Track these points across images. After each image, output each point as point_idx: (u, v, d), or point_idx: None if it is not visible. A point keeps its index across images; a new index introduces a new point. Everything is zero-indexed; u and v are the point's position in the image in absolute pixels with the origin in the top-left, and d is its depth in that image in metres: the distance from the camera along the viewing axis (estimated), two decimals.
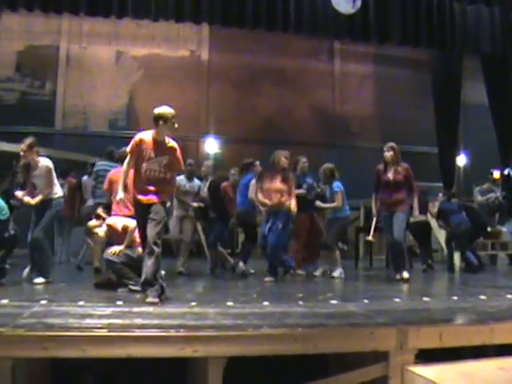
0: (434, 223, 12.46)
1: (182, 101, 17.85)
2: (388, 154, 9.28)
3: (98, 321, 4.85)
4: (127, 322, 4.89)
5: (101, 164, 9.85)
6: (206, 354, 4.49)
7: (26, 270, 8.42)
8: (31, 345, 4.34)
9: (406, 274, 9.01)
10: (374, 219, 9.73)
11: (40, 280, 7.78)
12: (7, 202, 8.16)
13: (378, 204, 9.43)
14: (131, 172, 6.51)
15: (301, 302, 6.42)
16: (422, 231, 11.73)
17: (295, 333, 4.69)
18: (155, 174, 6.31)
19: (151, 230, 6.15)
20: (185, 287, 8.26)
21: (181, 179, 10.05)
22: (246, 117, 17.91)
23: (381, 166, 9.42)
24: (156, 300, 6.00)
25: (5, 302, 5.95)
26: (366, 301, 6.53)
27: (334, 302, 6.47)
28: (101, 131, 17.77)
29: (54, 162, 12.42)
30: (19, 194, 8.28)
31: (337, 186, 10.26)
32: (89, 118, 17.98)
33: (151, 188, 6.30)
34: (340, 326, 5.06)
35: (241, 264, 9.86)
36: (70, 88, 17.97)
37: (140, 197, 6.33)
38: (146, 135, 6.42)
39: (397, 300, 6.70)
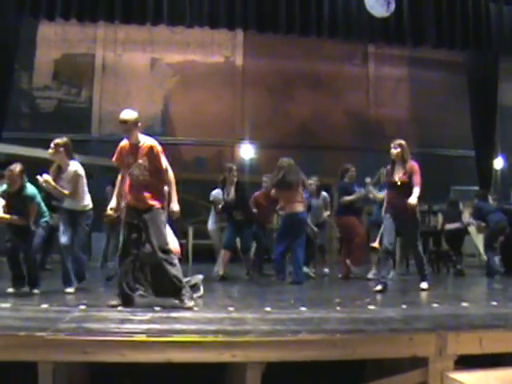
0: (472, 229, 12.35)
1: (217, 107, 17.95)
2: (394, 152, 8.61)
3: (137, 326, 4.89)
4: (166, 327, 4.92)
5: None
6: (244, 359, 4.50)
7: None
8: (72, 349, 4.39)
9: (424, 285, 8.57)
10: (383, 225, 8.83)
11: (70, 289, 7.57)
12: (48, 205, 8.28)
13: (385, 204, 8.75)
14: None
15: (338, 308, 6.41)
16: (456, 238, 11.73)
17: (334, 338, 4.68)
18: (140, 179, 6.26)
19: (156, 240, 6.16)
20: (222, 292, 8.30)
21: (215, 193, 10.55)
22: (281, 122, 17.87)
23: (389, 167, 8.79)
24: (191, 304, 6.04)
25: (45, 306, 6.05)
26: (404, 306, 6.50)
27: (371, 307, 6.44)
28: None
29: (89, 168, 12.47)
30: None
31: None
32: None
33: (143, 194, 6.28)
34: (379, 332, 5.03)
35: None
36: (105, 95, 18.13)
37: (133, 202, 6.33)
38: (124, 141, 6.42)
39: (435, 305, 6.65)
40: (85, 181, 7.77)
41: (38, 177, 7.51)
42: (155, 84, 18.27)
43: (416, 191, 8.27)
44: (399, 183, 8.38)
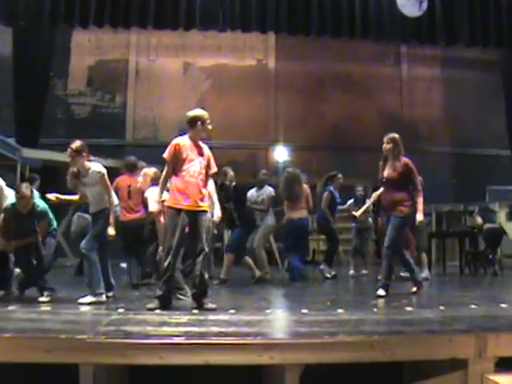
0: (509, 228, 12.24)
1: (250, 110, 18.00)
2: (387, 147, 7.89)
3: (175, 328, 4.93)
4: (204, 329, 4.95)
5: None
6: (282, 361, 4.50)
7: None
8: (111, 352, 4.44)
9: (381, 291, 7.61)
10: (369, 202, 9.10)
11: (85, 300, 6.73)
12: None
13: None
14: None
15: (375, 309, 6.38)
16: (493, 238, 11.63)
17: (372, 340, 4.66)
18: (195, 176, 6.28)
19: (204, 242, 6.23)
20: (258, 295, 8.29)
21: (252, 192, 10.48)
22: (314, 124, 17.86)
23: (381, 162, 8.04)
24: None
25: (84, 310, 6.12)
26: (441, 307, 6.42)
27: (408, 308, 6.40)
28: (171, 141, 17.98)
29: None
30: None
31: None
32: (158, 128, 18.24)
33: (200, 194, 6.30)
34: (417, 333, 5.00)
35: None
36: (139, 100, 18.30)
37: (191, 203, 6.23)
38: (182, 139, 6.44)
39: (473, 306, 6.56)
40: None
41: (48, 196, 7.46)
42: (188, 88, 18.39)
43: (420, 203, 7.78)
44: (385, 180, 7.85)
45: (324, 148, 17.05)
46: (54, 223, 7.60)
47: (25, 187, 7.04)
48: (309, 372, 4.57)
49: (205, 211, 6.37)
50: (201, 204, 6.26)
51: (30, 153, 14.16)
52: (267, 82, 18.53)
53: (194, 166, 6.25)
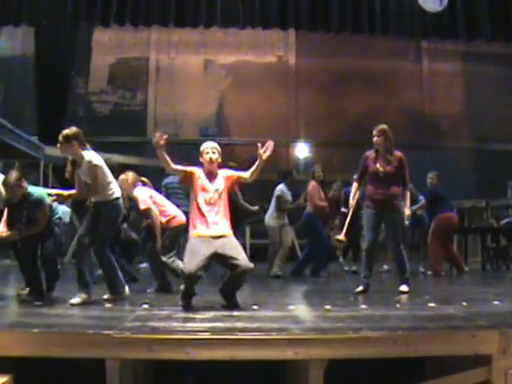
0: None
1: (271, 106, 18.03)
2: (379, 140, 7.55)
3: (200, 324, 4.97)
4: (229, 325, 4.98)
5: (169, 179, 10.15)
6: (307, 356, 4.52)
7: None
8: (138, 347, 4.48)
9: (404, 287, 7.54)
10: (349, 215, 8.04)
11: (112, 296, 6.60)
12: None
13: (366, 200, 7.72)
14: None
15: (398, 305, 6.38)
16: None
17: (396, 335, 4.67)
18: (212, 203, 6.12)
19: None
20: (281, 291, 8.33)
21: (283, 188, 10.48)
22: (335, 120, 17.84)
23: (370, 153, 7.70)
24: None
25: (109, 306, 6.18)
26: (464, 303, 6.41)
27: (431, 304, 6.38)
28: (192, 139, 18.05)
29: (145, 170, 12.50)
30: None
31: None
32: (180, 126, 18.33)
33: (214, 221, 6.07)
34: (440, 329, 5.00)
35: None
36: (160, 98, 18.40)
37: (207, 232, 6.01)
38: (197, 168, 6.32)
39: (496, 303, 6.54)
40: (105, 170, 6.53)
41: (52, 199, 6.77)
42: (209, 85, 18.46)
43: (407, 197, 7.65)
44: (382, 175, 7.49)
45: (345, 144, 17.02)
46: (59, 212, 7.30)
47: (12, 176, 6.54)
48: (332, 367, 4.59)
49: (226, 235, 6.08)
50: (221, 229, 6.06)
51: (52, 151, 14.24)
52: (288, 79, 18.55)
53: (212, 194, 6.16)
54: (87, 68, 18.35)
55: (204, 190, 6.16)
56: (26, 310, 5.98)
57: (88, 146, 6.48)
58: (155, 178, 11.22)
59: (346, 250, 11.74)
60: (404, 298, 7.18)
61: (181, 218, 7.96)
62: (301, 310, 6.07)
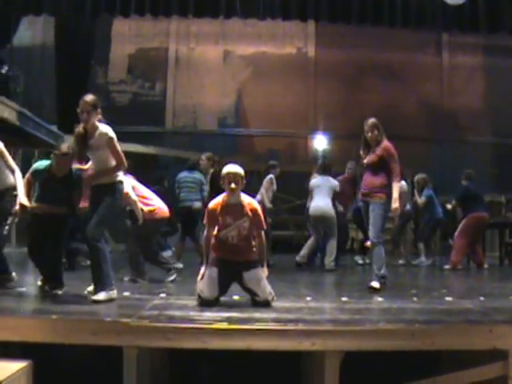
0: None
1: (290, 98, 18.01)
2: (372, 136, 7.25)
3: (217, 314, 4.99)
4: (246, 315, 5.00)
5: (182, 173, 10.32)
6: (323, 347, 4.54)
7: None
8: (155, 335, 4.54)
9: (375, 283, 6.96)
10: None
11: (100, 297, 5.60)
12: None
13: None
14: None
15: (415, 298, 6.37)
16: None
17: (413, 328, 4.68)
18: (234, 242, 5.70)
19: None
20: (298, 282, 8.35)
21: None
22: (354, 112, 17.70)
23: (363, 153, 7.44)
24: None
25: (127, 294, 6.22)
26: (481, 298, 6.40)
27: (448, 298, 6.38)
28: (210, 129, 18.15)
29: (164, 159, 12.50)
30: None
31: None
32: (198, 116, 18.37)
33: (234, 257, 5.70)
34: (458, 323, 5.00)
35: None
36: (179, 88, 18.43)
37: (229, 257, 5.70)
38: (217, 201, 5.80)
39: None
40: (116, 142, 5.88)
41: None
42: (228, 76, 18.47)
43: (396, 190, 7.09)
44: (365, 166, 7.28)
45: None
46: None
47: (66, 146, 6.10)
48: (349, 359, 4.60)
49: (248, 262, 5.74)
50: (243, 257, 5.72)
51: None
52: (307, 70, 18.51)
53: (232, 231, 5.67)
54: (107, 58, 18.44)
55: (226, 224, 5.67)
56: (45, 297, 6.03)
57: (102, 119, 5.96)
58: (173, 168, 11.29)
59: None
60: (421, 291, 7.16)
61: (164, 210, 7.95)
62: (318, 301, 6.06)
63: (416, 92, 18.37)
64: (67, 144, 6.19)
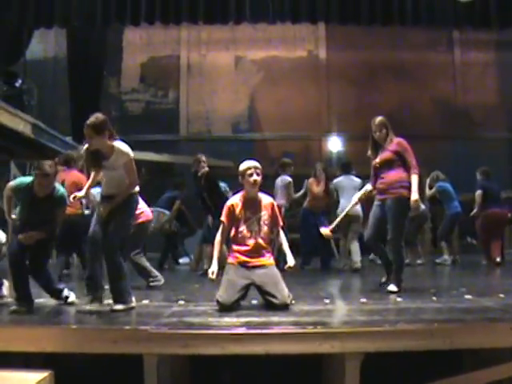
0: None
1: (302, 101, 18.00)
2: (381, 135, 7.17)
3: (236, 319, 5.00)
4: (264, 319, 5.01)
5: None
6: (343, 349, 4.54)
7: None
8: (174, 342, 4.55)
9: (393, 287, 6.88)
10: (343, 213, 8.11)
11: (118, 307, 5.58)
12: None
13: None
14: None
15: (434, 298, 6.35)
16: None
17: (432, 328, 4.67)
18: (254, 237, 5.80)
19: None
20: (315, 285, 8.33)
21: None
22: (368, 113, 17.39)
23: (371, 153, 7.34)
24: None
25: (146, 302, 6.24)
26: (501, 295, 6.36)
27: (468, 296, 6.35)
28: (224, 135, 18.17)
29: (179, 167, 12.50)
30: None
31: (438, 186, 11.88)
32: (212, 122, 18.40)
33: (253, 253, 5.80)
34: (477, 321, 4.97)
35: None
36: (192, 95, 18.47)
37: (247, 259, 5.78)
38: (236, 198, 5.95)
39: None
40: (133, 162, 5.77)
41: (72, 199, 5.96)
42: (240, 81, 18.49)
43: (414, 181, 6.98)
44: (378, 165, 7.11)
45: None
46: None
47: (48, 165, 5.74)
48: (369, 360, 4.59)
49: (266, 265, 5.80)
50: (261, 259, 5.80)
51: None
52: (319, 73, 18.48)
53: (252, 225, 5.80)
54: (119, 68, 18.54)
55: (245, 219, 5.82)
56: (62, 306, 6.06)
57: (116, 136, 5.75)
58: (189, 174, 11.31)
59: None
60: (440, 290, 7.13)
61: (147, 214, 7.94)
62: (336, 303, 6.07)
63: (429, 90, 18.28)
64: (49, 163, 5.82)
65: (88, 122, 5.54)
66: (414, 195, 6.88)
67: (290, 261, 5.83)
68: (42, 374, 4.29)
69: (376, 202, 7.16)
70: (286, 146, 17.60)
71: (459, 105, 18.38)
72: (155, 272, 8.03)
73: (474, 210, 11.39)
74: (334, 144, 18.05)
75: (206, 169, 9.92)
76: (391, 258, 7.06)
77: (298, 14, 13.26)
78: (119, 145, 5.64)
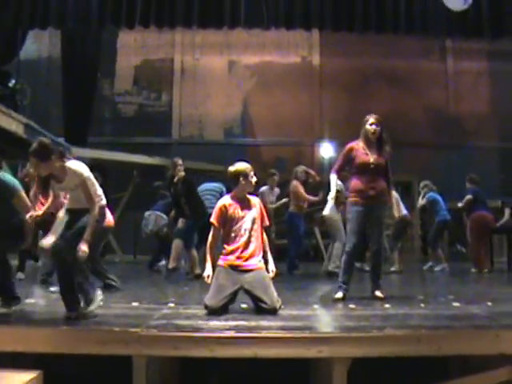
0: None
1: (295, 106, 18.07)
2: (378, 130, 6.91)
3: (224, 322, 5.02)
4: (253, 323, 5.03)
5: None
6: (330, 354, 4.56)
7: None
8: (164, 344, 4.58)
9: (380, 293, 6.91)
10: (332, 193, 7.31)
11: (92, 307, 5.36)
12: None
13: (353, 195, 6.95)
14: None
15: (422, 304, 6.38)
16: None
17: (419, 334, 4.69)
18: (247, 235, 5.79)
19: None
20: (305, 290, 8.36)
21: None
22: (360, 120, 17.60)
23: (357, 144, 7.01)
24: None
25: (135, 304, 6.25)
26: (489, 303, 6.39)
27: (456, 304, 6.38)
28: (216, 139, 18.22)
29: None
30: None
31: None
32: (204, 126, 18.45)
33: (246, 253, 5.79)
34: (464, 328, 5.00)
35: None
36: (185, 98, 18.52)
37: (237, 262, 5.76)
38: (227, 199, 6.00)
39: None
40: (93, 179, 5.41)
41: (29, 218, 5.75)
42: (233, 86, 18.56)
43: (394, 198, 7.24)
44: (373, 166, 6.81)
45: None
46: None
47: None
48: (356, 365, 4.62)
49: (256, 269, 5.76)
50: (251, 263, 5.75)
51: (79, 152, 14.46)
52: (312, 79, 18.57)
53: (245, 224, 5.82)
54: (113, 70, 18.58)
55: (238, 218, 5.84)
56: (53, 308, 6.06)
57: (68, 155, 5.54)
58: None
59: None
60: (428, 297, 7.17)
61: (109, 218, 7.85)
62: (324, 308, 6.09)
63: (421, 98, 18.39)
64: None
65: (30, 150, 5.26)
66: (397, 213, 7.25)
67: (272, 266, 5.89)
68: (31, 374, 4.30)
69: (358, 208, 6.83)
70: (279, 152, 17.67)
71: (451, 113, 18.50)
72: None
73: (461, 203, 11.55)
74: (326, 150, 18.11)
75: (183, 173, 9.93)
76: (376, 263, 7.01)
77: (292, 21, 13.30)
78: (71, 165, 5.30)
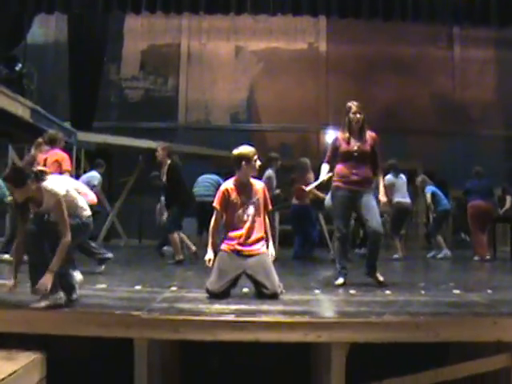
0: None
1: (301, 93, 18.06)
2: (361, 118, 6.92)
3: (226, 306, 5.07)
4: (254, 307, 5.08)
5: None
6: (329, 339, 4.61)
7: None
8: (165, 328, 4.63)
9: (381, 277, 6.95)
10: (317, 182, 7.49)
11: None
12: None
13: (337, 181, 6.94)
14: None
15: (423, 291, 6.41)
16: None
17: (417, 321, 4.73)
18: (250, 220, 5.78)
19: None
20: (307, 275, 8.41)
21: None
22: (366, 106, 17.51)
23: (342, 134, 7.03)
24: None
25: (138, 288, 6.31)
26: (489, 291, 6.42)
27: (456, 291, 6.41)
28: (222, 125, 18.23)
29: (177, 155, 12.63)
30: None
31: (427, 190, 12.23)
32: (210, 112, 18.48)
33: (249, 238, 5.79)
34: (462, 315, 5.05)
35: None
36: (191, 84, 18.53)
37: (240, 248, 5.75)
38: (230, 183, 5.95)
39: None
40: (72, 193, 5.22)
41: None
42: (240, 72, 18.55)
43: (382, 183, 7.15)
44: (356, 154, 6.83)
45: (375, 131, 16.91)
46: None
47: None
48: (355, 350, 4.67)
49: (258, 254, 5.76)
50: (254, 248, 5.76)
51: (84, 136, 14.54)
52: (318, 66, 18.55)
53: (248, 209, 5.80)
54: (119, 54, 18.59)
55: (241, 203, 5.83)
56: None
57: (45, 175, 5.03)
58: (186, 163, 11.40)
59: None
60: (429, 284, 7.20)
61: (92, 197, 7.71)
62: (326, 293, 6.13)
63: (428, 86, 18.35)
64: None
65: (5, 176, 5.00)
66: (383, 198, 7.07)
67: (272, 250, 5.94)
68: (34, 355, 4.37)
69: (342, 193, 6.85)
70: (284, 138, 17.69)
71: (457, 101, 18.45)
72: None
73: None
74: (331, 136, 18.07)
75: (168, 160, 9.76)
76: (374, 248, 6.97)
77: (299, 7, 13.26)
78: (47, 184, 4.92)
